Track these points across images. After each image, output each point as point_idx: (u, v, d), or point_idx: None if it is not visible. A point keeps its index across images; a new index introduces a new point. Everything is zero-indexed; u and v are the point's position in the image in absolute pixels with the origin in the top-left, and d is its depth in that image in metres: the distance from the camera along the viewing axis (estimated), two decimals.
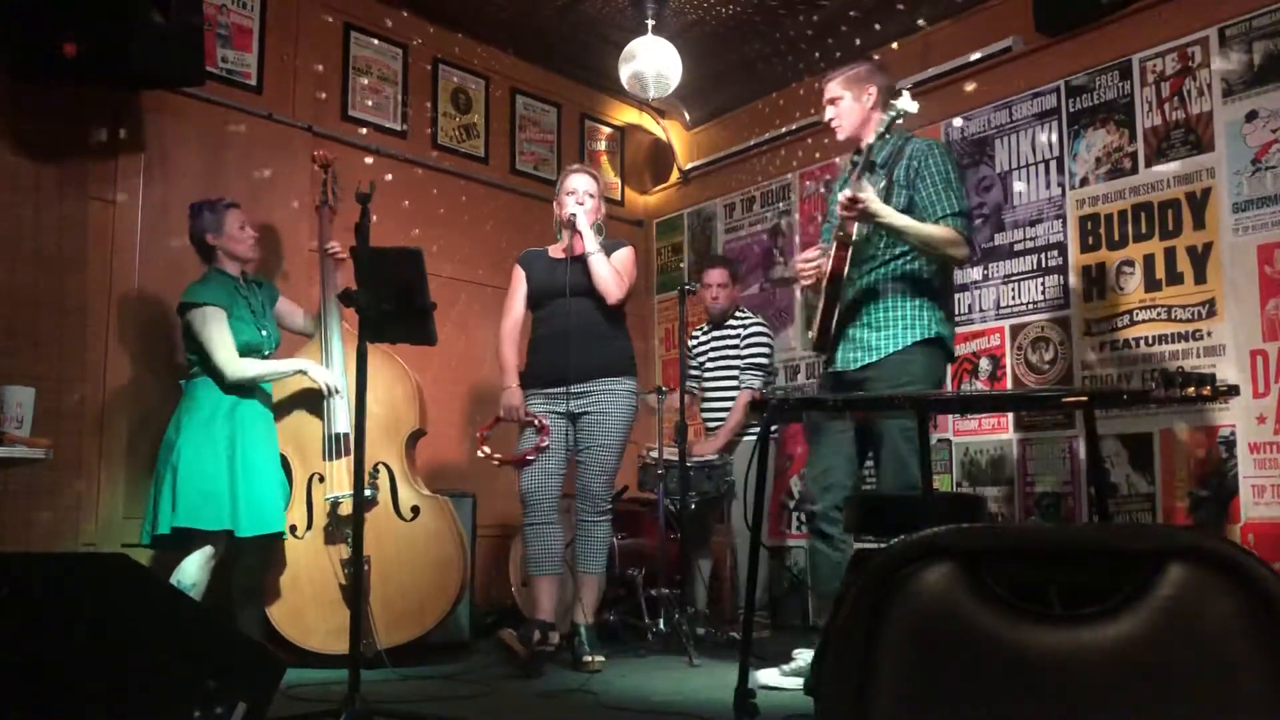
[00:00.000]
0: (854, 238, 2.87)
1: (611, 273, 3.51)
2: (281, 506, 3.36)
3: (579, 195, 3.59)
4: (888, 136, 2.93)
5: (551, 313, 3.56)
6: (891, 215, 2.82)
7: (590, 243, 3.52)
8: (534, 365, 3.58)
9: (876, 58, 3.32)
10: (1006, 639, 1.17)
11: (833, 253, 2.88)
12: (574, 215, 3.53)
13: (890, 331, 2.93)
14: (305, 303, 3.84)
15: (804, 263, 3.06)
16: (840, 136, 3.12)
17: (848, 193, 2.77)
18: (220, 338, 3.25)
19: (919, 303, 2.94)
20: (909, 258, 2.95)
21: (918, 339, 2.92)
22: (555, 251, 3.67)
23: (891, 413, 2.83)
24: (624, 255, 3.60)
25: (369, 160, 4.52)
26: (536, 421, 3.48)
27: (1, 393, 3.00)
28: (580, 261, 3.52)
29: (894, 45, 4.69)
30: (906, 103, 2.75)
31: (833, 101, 3.10)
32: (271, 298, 3.62)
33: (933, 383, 2.96)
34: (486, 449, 3.53)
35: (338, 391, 3.48)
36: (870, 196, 2.78)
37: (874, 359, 2.93)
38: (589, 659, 3.35)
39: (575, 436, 3.53)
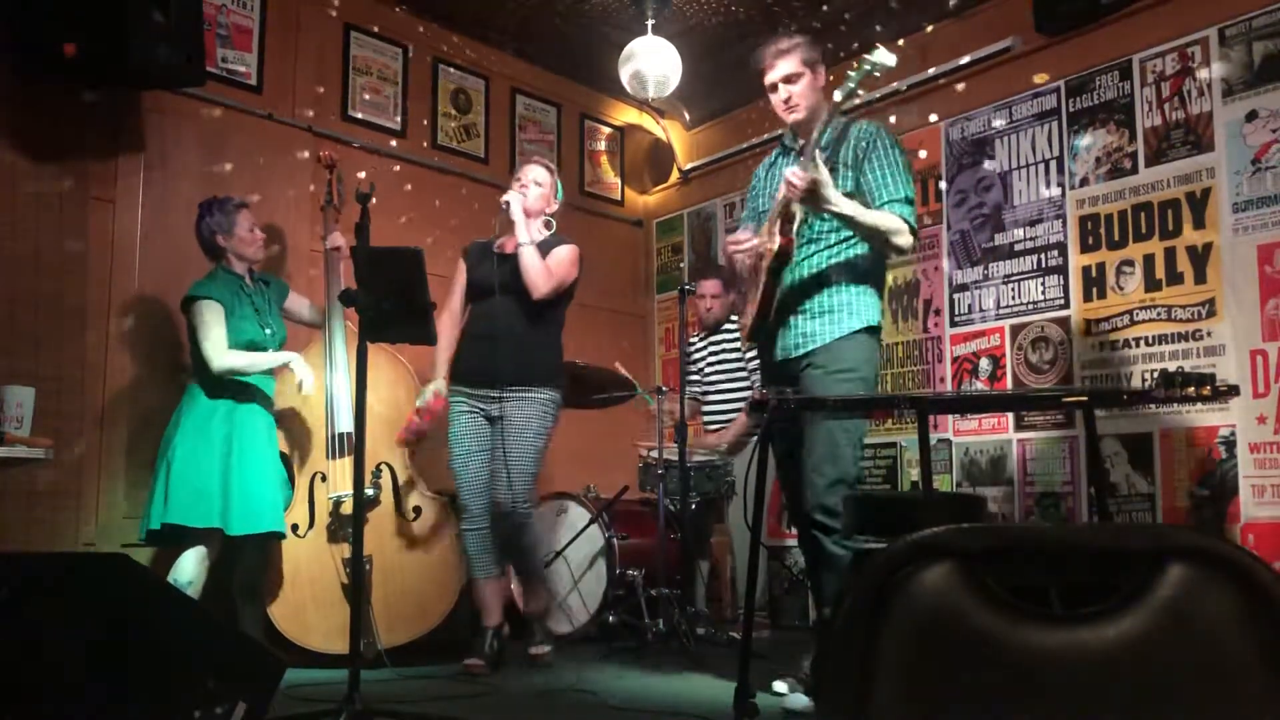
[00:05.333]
0: (797, 220, 2.70)
1: (541, 267, 3.34)
2: (279, 506, 3.35)
3: (524, 182, 3.49)
4: (831, 119, 2.70)
5: (483, 310, 3.45)
6: (841, 203, 2.64)
7: (522, 233, 3.36)
8: (461, 362, 3.48)
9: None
10: (1006, 639, 1.17)
11: (778, 234, 2.68)
12: (508, 202, 3.39)
13: (833, 317, 2.80)
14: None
15: (734, 245, 2.87)
16: (795, 118, 2.88)
17: (798, 171, 2.56)
18: (211, 329, 3.24)
19: (860, 289, 2.83)
20: (850, 242, 2.83)
21: (859, 327, 2.81)
22: (499, 244, 3.55)
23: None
24: (562, 253, 3.45)
25: (369, 160, 4.52)
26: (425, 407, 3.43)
27: (1, 393, 3.00)
28: (515, 258, 3.38)
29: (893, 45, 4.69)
30: (884, 55, 2.46)
31: (790, 80, 2.84)
32: (281, 294, 3.61)
33: (873, 370, 2.86)
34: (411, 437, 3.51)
35: (309, 392, 3.38)
36: (825, 180, 2.58)
37: (815, 346, 2.81)
38: (535, 651, 3.43)
39: (493, 440, 3.42)
